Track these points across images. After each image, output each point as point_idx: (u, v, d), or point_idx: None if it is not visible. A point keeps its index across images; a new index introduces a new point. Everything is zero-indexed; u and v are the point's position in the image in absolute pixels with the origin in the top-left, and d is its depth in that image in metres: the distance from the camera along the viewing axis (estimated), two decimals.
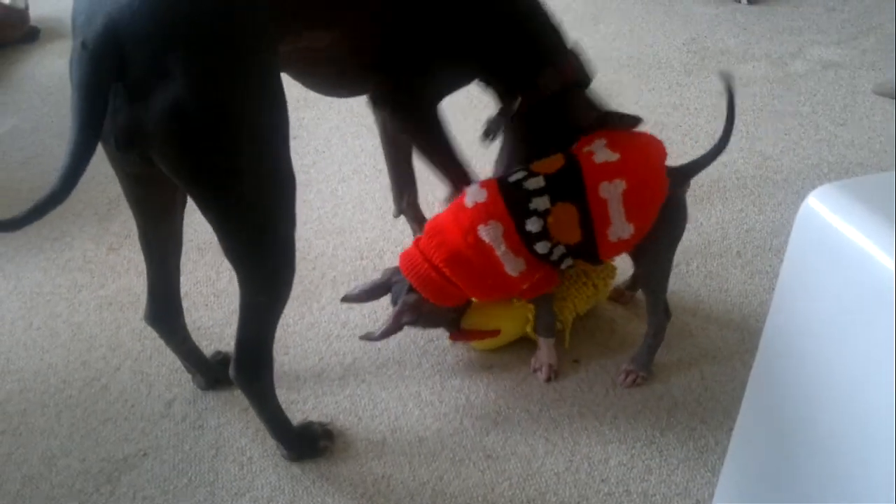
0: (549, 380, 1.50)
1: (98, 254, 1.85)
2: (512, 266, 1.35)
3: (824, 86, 2.48)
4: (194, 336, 1.60)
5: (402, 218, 1.93)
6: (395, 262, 1.80)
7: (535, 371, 1.52)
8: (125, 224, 1.93)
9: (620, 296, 1.67)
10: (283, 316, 1.65)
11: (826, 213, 0.87)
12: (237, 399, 1.48)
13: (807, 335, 0.94)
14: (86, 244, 1.88)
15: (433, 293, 1.39)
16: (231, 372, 1.26)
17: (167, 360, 1.56)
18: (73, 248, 1.87)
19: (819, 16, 2.94)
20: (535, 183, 1.33)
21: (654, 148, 1.37)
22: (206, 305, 1.70)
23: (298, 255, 1.82)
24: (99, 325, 1.65)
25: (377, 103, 1.40)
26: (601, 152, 1.33)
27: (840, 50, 2.69)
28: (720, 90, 2.47)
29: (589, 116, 1.39)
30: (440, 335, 1.60)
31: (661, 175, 1.34)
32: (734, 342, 1.58)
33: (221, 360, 1.53)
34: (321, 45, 1.22)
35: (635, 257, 1.45)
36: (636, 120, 1.38)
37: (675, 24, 2.92)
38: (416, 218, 1.78)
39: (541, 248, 1.34)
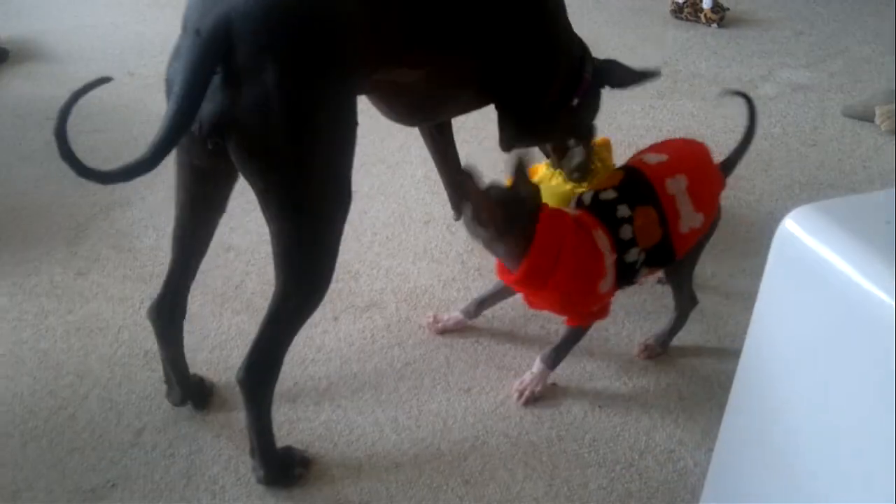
0: (526, 404, 1.49)
1: (66, 278, 1.80)
2: (606, 282, 1.38)
3: (794, 108, 2.52)
4: (159, 365, 1.57)
5: (376, 240, 1.92)
6: (372, 285, 1.79)
7: (515, 391, 1.50)
8: (94, 248, 1.90)
9: (644, 350, 1.61)
10: None
11: (802, 234, 0.87)
12: (209, 426, 1.44)
13: (785, 355, 0.94)
14: (53, 269, 1.84)
15: (536, 262, 1.32)
16: (240, 373, 1.26)
17: (137, 387, 1.53)
18: (41, 272, 1.83)
19: (787, 39, 3.00)
20: (609, 195, 1.40)
21: (697, 145, 1.50)
22: None
23: (271, 277, 1.79)
24: (66, 352, 1.61)
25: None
26: (649, 157, 1.43)
27: (808, 73, 2.74)
28: (692, 112, 2.50)
29: (629, 73, 1.67)
30: (417, 359, 1.58)
31: (714, 166, 1.48)
32: (711, 363, 1.58)
33: (198, 381, 1.50)
34: (408, 81, 1.34)
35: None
36: (652, 74, 1.65)
37: (647, 48, 2.95)
38: None
39: (632, 255, 1.39)
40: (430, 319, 1.65)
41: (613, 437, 1.43)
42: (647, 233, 1.39)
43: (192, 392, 1.48)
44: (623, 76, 1.69)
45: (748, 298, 1.70)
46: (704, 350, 1.61)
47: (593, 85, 1.68)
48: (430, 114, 1.57)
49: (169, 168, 2.15)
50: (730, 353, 1.58)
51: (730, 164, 1.55)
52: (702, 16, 3.08)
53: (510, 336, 1.64)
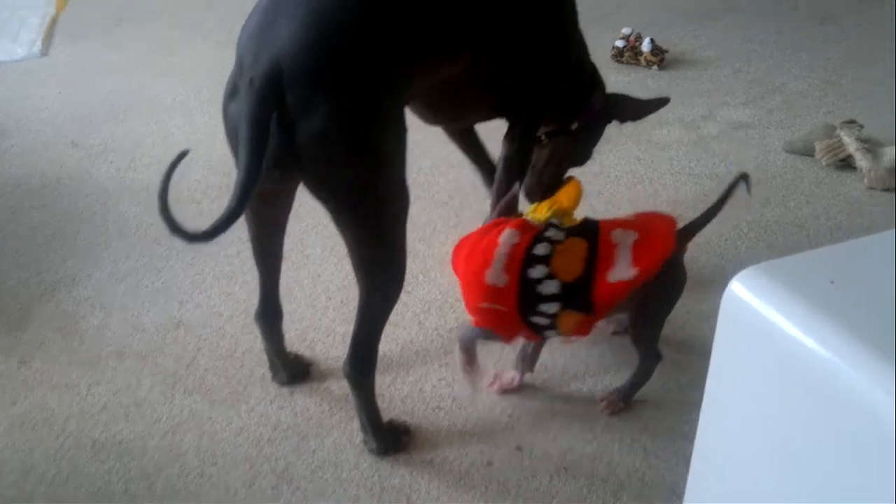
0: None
1: (8, 368, 1.73)
2: (492, 274, 1.40)
3: (736, 146, 2.56)
4: (114, 453, 1.52)
5: (331, 305, 1.89)
6: (328, 353, 1.76)
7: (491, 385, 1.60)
8: (38, 332, 1.83)
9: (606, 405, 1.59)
10: (210, 422, 1.59)
11: (749, 297, 0.88)
12: None
13: (742, 414, 0.95)
14: None
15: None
16: (345, 368, 1.43)
17: (85, 481, 1.46)
18: None
19: (726, 78, 3.06)
20: (556, 230, 1.45)
21: (664, 217, 1.54)
22: (127, 417, 1.60)
23: (224, 352, 1.77)
24: (10, 448, 1.54)
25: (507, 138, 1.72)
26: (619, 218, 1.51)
27: (748, 110, 2.79)
28: (638, 155, 2.53)
29: (639, 107, 1.84)
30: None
31: (671, 232, 1.49)
32: (673, 414, 1.57)
33: (295, 359, 1.69)
34: (453, 74, 1.44)
35: (633, 317, 1.53)
36: (663, 101, 1.82)
37: None
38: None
39: (537, 272, 1.40)
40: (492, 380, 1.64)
41: (581, 500, 1.41)
42: (567, 262, 1.41)
43: (296, 370, 1.67)
44: (635, 109, 1.85)
45: (705, 343, 1.70)
46: (666, 401, 1.60)
47: (600, 116, 1.81)
48: (465, 111, 1.69)
49: (112, 245, 2.12)
50: (691, 403, 1.55)
51: (691, 228, 1.56)
52: (642, 59, 3.13)
53: (471, 399, 1.62)
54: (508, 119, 1.71)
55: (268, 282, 1.56)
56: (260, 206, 1.40)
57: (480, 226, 1.54)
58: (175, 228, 1.15)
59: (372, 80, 1.22)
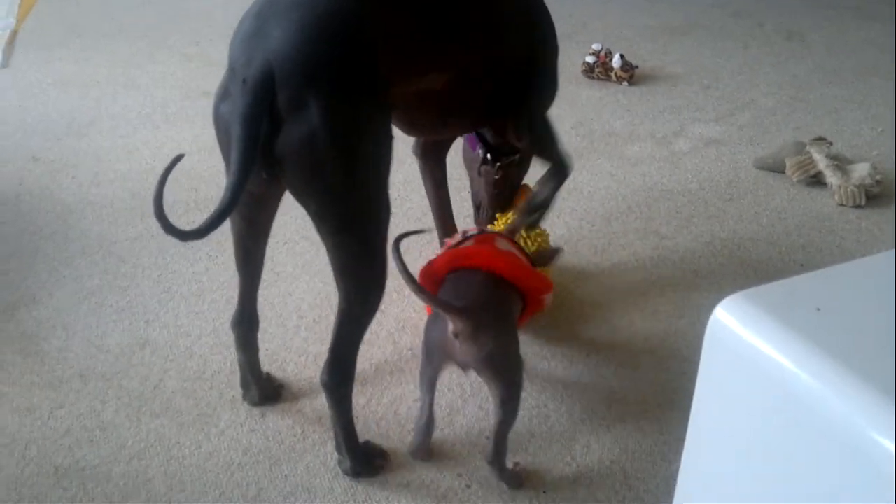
0: None
1: None
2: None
3: (708, 162, 2.58)
4: (77, 479, 1.46)
5: (303, 325, 1.85)
6: (300, 374, 1.71)
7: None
8: None
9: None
10: (177, 446, 1.54)
11: (734, 324, 0.87)
12: None
13: (727, 443, 0.93)
14: None
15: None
16: (322, 377, 1.40)
17: None
18: None
19: (696, 94, 3.08)
20: None
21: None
22: (91, 441, 1.54)
23: (192, 373, 1.72)
24: None
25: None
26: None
27: (719, 127, 2.81)
28: (611, 171, 2.53)
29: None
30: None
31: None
32: (653, 434, 1.55)
33: (267, 377, 1.66)
34: (436, 86, 1.45)
35: None
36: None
37: (562, 109, 2.98)
38: None
39: None
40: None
41: None
42: None
43: (267, 389, 1.64)
44: None
45: (683, 361, 1.71)
46: (645, 420, 1.58)
47: None
48: (451, 120, 1.68)
49: (75, 263, 2.05)
50: (669, 422, 1.56)
51: None
52: (612, 74, 3.14)
53: (449, 420, 1.59)
54: (508, 118, 1.72)
55: (248, 288, 1.55)
56: (247, 208, 1.39)
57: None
58: (169, 227, 1.18)
59: (362, 82, 1.24)
